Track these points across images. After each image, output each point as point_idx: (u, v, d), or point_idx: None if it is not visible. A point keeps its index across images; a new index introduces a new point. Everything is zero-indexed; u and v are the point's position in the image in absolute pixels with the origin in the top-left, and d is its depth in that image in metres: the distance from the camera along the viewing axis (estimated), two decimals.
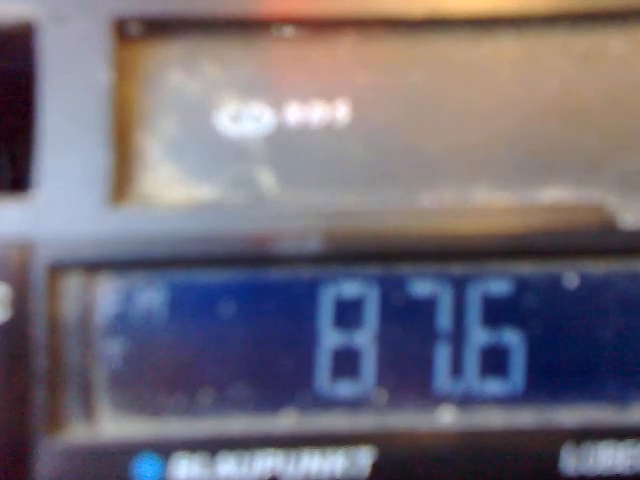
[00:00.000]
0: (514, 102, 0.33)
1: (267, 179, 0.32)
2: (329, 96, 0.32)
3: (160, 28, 0.31)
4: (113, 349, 0.32)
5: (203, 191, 0.32)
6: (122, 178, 0.31)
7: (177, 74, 0.32)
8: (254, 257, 0.32)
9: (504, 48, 0.33)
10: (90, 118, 0.31)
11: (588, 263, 0.34)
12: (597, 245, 0.33)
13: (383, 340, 0.34)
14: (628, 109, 0.33)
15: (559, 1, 0.33)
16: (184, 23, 0.31)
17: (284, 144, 0.32)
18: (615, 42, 0.33)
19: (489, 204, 0.33)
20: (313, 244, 0.32)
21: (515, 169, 0.33)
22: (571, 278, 0.34)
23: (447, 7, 0.32)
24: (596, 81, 0.33)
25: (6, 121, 0.32)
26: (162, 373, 0.33)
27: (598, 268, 0.34)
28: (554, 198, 0.33)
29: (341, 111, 0.32)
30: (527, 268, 0.33)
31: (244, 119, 0.32)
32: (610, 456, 0.34)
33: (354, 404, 0.34)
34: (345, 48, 0.32)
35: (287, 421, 0.34)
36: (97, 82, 0.31)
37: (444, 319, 0.34)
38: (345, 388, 0.34)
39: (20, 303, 0.31)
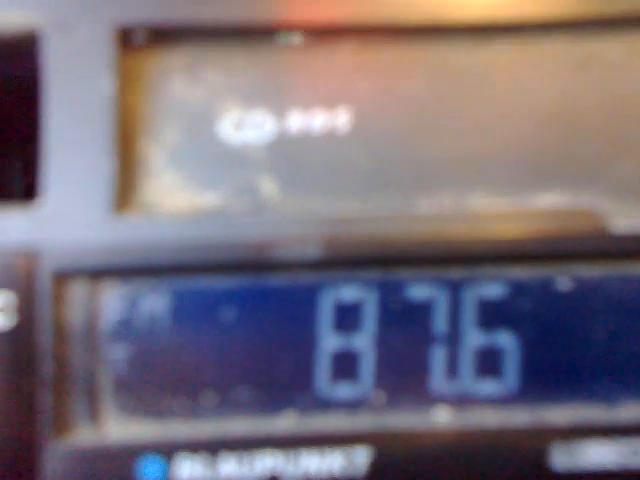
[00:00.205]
0: (511, 109, 0.34)
1: (269, 186, 0.34)
2: (330, 104, 0.34)
3: (163, 36, 0.32)
4: (118, 354, 0.34)
5: (206, 198, 0.34)
6: (126, 186, 0.33)
7: (180, 82, 0.33)
8: (256, 263, 0.34)
9: (502, 56, 0.34)
10: (94, 126, 0.32)
11: (580, 267, 0.35)
12: (589, 249, 0.35)
13: (381, 343, 0.35)
14: (623, 116, 0.35)
15: (556, 9, 0.34)
16: (187, 32, 0.32)
17: (286, 151, 0.34)
18: (611, 50, 0.35)
19: (485, 210, 0.34)
20: (313, 250, 0.34)
21: (511, 176, 0.35)
22: (564, 282, 0.35)
23: (446, 15, 0.34)
24: (592, 88, 0.35)
25: (19, 129, 0.33)
26: (165, 377, 0.34)
27: (590, 272, 0.35)
28: (548, 204, 0.35)
29: (342, 118, 0.34)
30: (521, 272, 0.35)
31: (246, 127, 0.33)
32: (599, 453, 0.36)
33: (353, 405, 0.35)
34: (346, 56, 0.34)
35: (287, 422, 0.35)
36: (101, 90, 0.32)
37: (440, 322, 0.35)
38: (344, 390, 0.35)
39: (26, 310, 0.32)
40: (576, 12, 0.34)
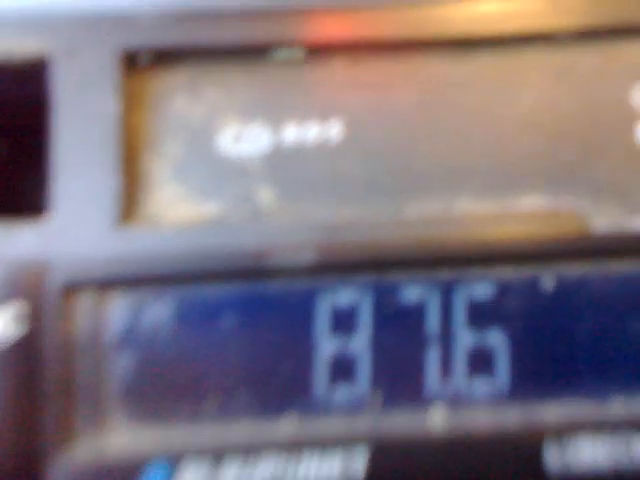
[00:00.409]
0: (494, 117, 0.38)
1: (266, 196, 0.38)
2: (323, 116, 0.37)
3: (166, 58, 0.36)
4: (124, 362, 0.37)
5: (207, 209, 0.37)
6: (130, 200, 0.36)
7: (182, 100, 0.37)
8: (255, 270, 0.37)
9: (484, 67, 0.38)
10: (100, 144, 0.36)
11: (564, 267, 0.38)
12: (572, 250, 0.38)
13: (377, 345, 0.38)
14: (598, 122, 0.39)
15: (534, 22, 0.38)
16: (188, 52, 0.36)
17: (282, 162, 0.37)
18: (587, 59, 0.39)
19: (472, 214, 0.38)
20: (310, 256, 0.37)
21: (495, 180, 0.38)
22: (549, 281, 0.38)
23: (431, 30, 0.37)
24: (569, 96, 0.38)
25: (32, 145, 0.37)
26: (170, 384, 0.37)
27: (574, 271, 0.38)
28: (531, 206, 0.38)
29: (335, 130, 0.38)
30: (508, 273, 0.38)
31: (244, 140, 0.37)
32: (591, 449, 0.39)
33: (350, 407, 0.38)
34: (338, 71, 0.37)
35: (288, 426, 0.38)
36: (107, 110, 0.35)
37: (433, 323, 0.38)
38: (342, 392, 0.38)
39: (35, 320, 0.35)
40: (553, 25, 0.38)
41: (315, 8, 0.37)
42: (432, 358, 0.39)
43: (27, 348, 0.36)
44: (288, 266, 0.37)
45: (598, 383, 0.40)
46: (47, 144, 0.36)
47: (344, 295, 0.38)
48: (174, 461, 0.38)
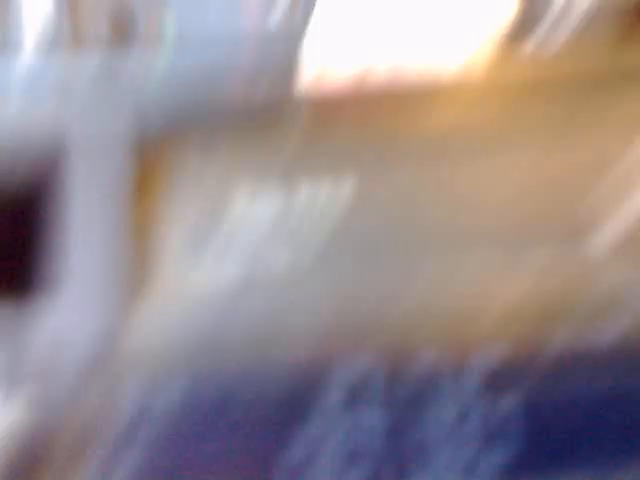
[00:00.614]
0: (500, 175, 0.40)
1: (282, 258, 0.37)
2: (335, 175, 0.38)
3: (179, 124, 0.36)
4: (138, 449, 0.36)
5: (223, 274, 0.37)
6: (146, 271, 0.36)
7: (195, 164, 0.37)
8: (271, 341, 0.37)
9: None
10: (113, 214, 0.35)
11: (579, 324, 0.39)
12: (584, 306, 0.38)
13: (392, 417, 0.38)
14: (605, 172, 0.40)
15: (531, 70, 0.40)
16: (200, 117, 0.37)
17: (297, 223, 0.38)
18: (588, 108, 0.40)
19: (486, 272, 0.38)
20: (324, 322, 0.37)
21: (507, 237, 0.39)
22: (562, 341, 0.39)
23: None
24: (573, 147, 0.40)
25: (41, 220, 0.36)
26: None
27: (587, 329, 0.39)
28: (542, 261, 0.39)
29: (346, 189, 0.38)
30: (520, 334, 0.38)
31: (259, 201, 0.37)
32: None
33: None
34: (348, 129, 0.38)
35: None
36: (119, 177, 0.35)
37: (447, 391, 0.38)
38: (357, 472, 0.38)
39: (49, 404, 0.35)
40: (552, 74, 0.39)
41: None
42: (447, 427, 0.38)
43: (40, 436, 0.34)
44: (301, 333, 0.36)
45: (617, 452, 0.39)
46: (54, 218, 0.35)
47: (358, 366, 0.37)
48: None
